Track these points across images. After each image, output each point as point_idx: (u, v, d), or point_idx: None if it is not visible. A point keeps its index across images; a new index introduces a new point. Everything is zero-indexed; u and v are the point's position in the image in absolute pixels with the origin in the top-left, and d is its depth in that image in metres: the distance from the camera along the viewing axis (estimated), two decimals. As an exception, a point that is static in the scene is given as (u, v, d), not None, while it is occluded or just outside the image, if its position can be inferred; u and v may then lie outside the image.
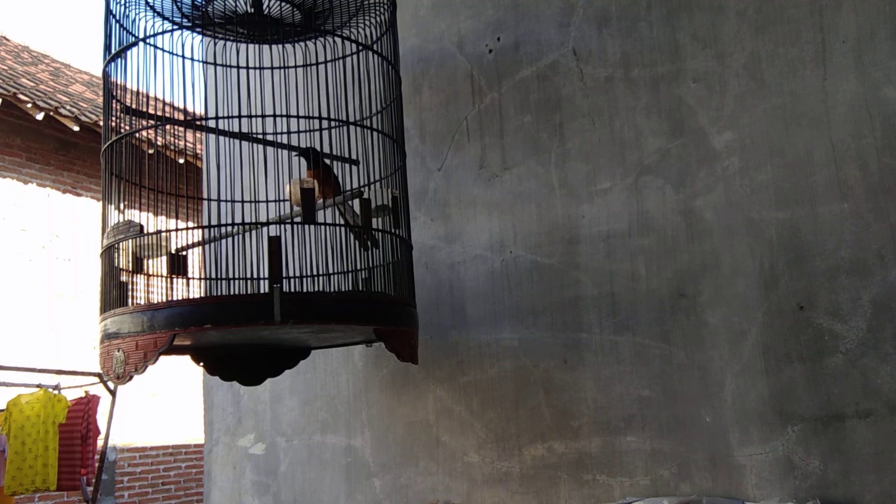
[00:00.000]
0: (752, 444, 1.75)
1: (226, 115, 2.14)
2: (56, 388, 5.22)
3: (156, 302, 1.62)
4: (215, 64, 2.14)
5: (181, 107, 2.03)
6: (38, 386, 5.15)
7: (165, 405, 7.76)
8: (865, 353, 1.66)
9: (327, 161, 2.03)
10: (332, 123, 1.87)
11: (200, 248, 2.01)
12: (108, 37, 1.85)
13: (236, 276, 1.93)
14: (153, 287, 1.86)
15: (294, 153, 2.08)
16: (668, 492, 1.83)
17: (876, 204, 1.69)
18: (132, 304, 1.72)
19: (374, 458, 2.28)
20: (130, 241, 1.72)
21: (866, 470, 1.63)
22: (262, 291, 1.93)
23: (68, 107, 7.13)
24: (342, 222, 2.00)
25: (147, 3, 1.89)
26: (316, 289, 1.93)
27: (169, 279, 1.82)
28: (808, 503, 1.65)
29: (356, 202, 1.83)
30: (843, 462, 1.65)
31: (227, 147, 2.12)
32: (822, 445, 1.68)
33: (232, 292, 1.93)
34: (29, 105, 6.64)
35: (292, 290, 1.96)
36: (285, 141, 2.14)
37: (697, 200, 1.90)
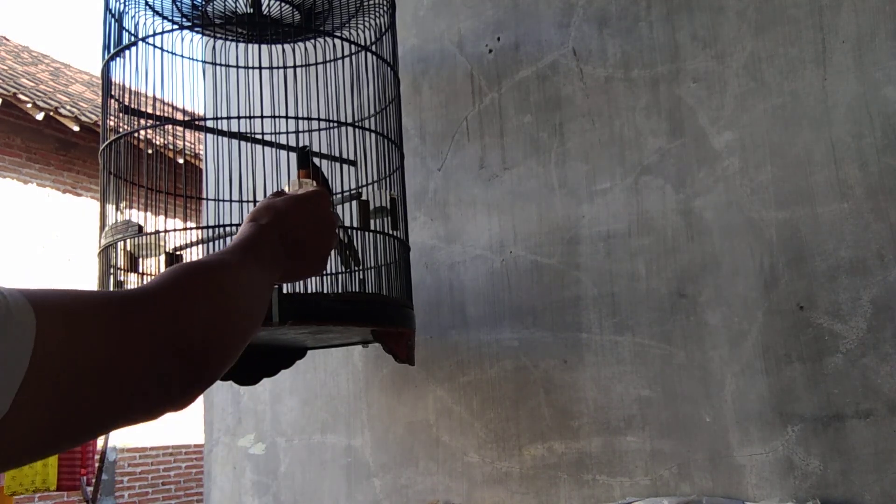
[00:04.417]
0: (752, 444, 1.75)
1: (225, 115, 2.14)
2: (56, 388, 5.22)
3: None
4: (214, 63, 2.14)
5: (180, 106, 2.03)
6: (38, 386, 5.15)
7: (165, 405, 7.75)
8: (865, 353, 1.66)
9: (317, 161, 2.03)
10: (331, 124, 1.87)
11: (198, 247, 2.00)
12: (106, 36, 1.84)
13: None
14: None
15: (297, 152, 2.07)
16: (668, 492, 1.83)
17: (876, 204, 1.68)
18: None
19: (374, 458, 2.28)
20: (128, 240, 1.72)
21: (866, 470, 1.63)
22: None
23: (68, 107, 7.12)
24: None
25: (146, 2, 1.89)
26: (313, 289, 1.92)
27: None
28: (808, 503, 1.65)
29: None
30: (843, 462, 1.65)
31: (227, 147, 2.11)
32: (822, 445, 1.67)
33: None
34: (29, 105, 6.64)
35: (290, 290, 1.96)
36: (284, 141, 2.14)
37: (697, 200, 1.89)
